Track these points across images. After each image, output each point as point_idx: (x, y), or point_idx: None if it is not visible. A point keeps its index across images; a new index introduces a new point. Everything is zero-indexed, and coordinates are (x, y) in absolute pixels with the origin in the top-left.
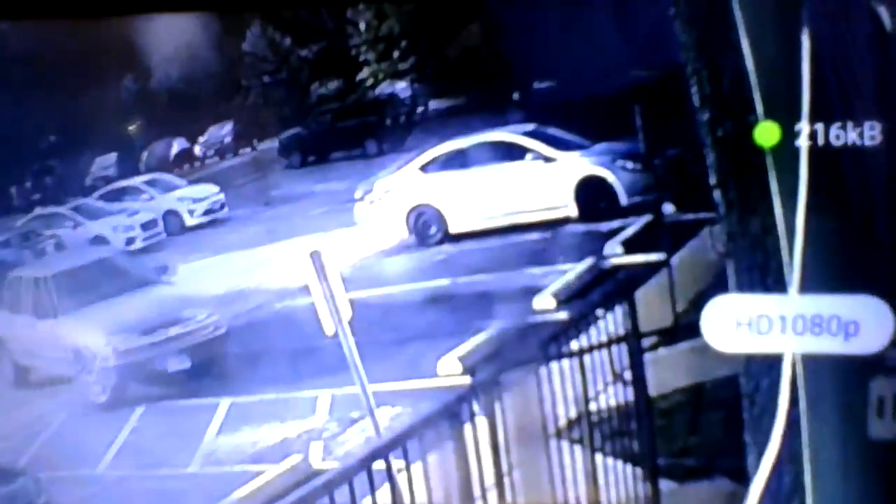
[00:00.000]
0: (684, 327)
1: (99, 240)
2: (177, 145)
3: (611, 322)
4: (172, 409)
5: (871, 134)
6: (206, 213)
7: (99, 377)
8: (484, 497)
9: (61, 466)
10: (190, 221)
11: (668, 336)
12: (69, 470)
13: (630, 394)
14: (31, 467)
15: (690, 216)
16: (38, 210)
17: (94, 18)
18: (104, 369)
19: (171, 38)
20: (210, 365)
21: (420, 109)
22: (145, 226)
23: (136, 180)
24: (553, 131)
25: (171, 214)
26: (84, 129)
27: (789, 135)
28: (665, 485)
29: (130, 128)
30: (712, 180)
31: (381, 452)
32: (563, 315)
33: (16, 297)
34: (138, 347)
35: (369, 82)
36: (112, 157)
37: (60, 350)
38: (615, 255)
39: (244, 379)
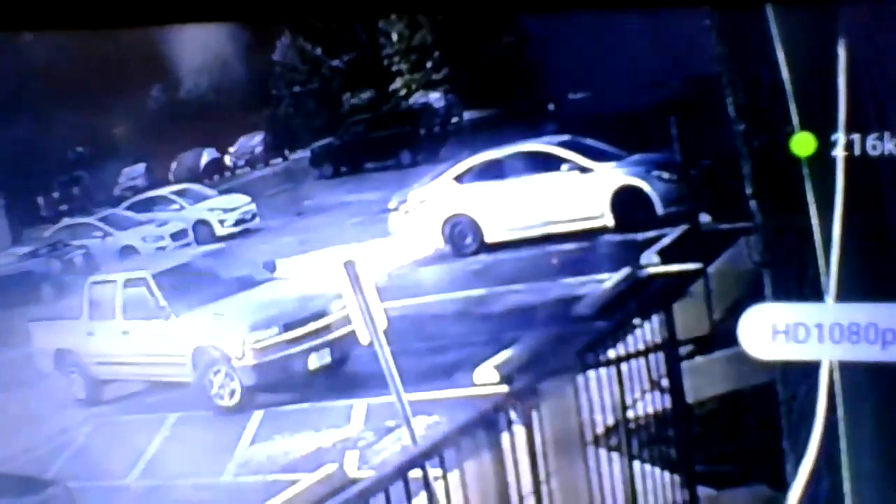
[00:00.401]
0: (721, 336)
1: (128, 250)
2: (206, 155)
3: (648, 331)
4: (206, 418)
5: None
6: (238, 223)
7: (227, 379)
8: None
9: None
10: (221, 231)
11: (705, 344)
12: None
13: (667, 401)
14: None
15: (726, 226)
16: (67, 220)
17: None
18: (243, 368)
19: (200, 49)
20: (347, 362)
21: (454, 120)
22: (175, 236)
23: (166, 190)
24: (588, 142)
25: (201, 224)
26: (112, 139)
27: (825, 145)
28: (703, 492)
29: (159, 138)
30: (748, 190)
31: (418, 461)
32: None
33: (98, 304)
34: (278, 344)
35: (402, 92)
36: (140, 167)
37: (175, 352)
38: (652, 264)
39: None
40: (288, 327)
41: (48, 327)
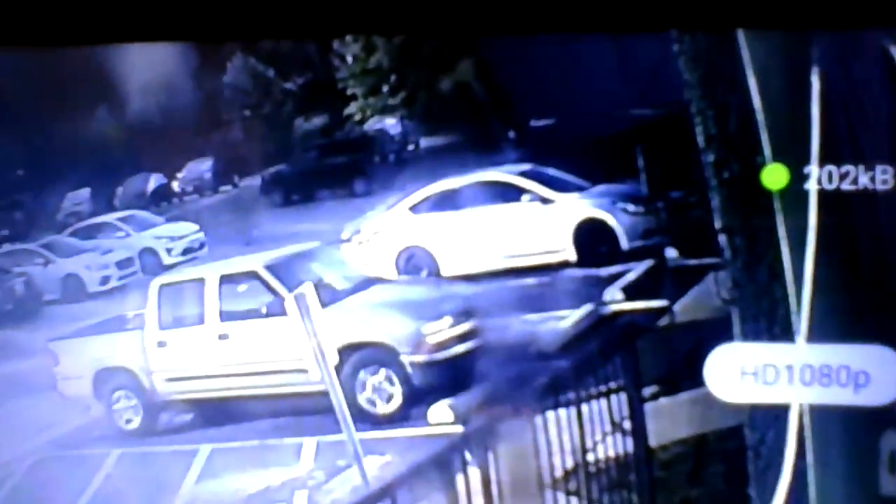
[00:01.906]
0: (687, 376)
1: (71, 278)
2: (154, 181)
3: (610, 370)
4: (147, 455)
5: (883, 178)
6: (185, 251)
7: (387, 382)
8: None
9: None
10: (168, 260)
11: (670, 385)
12: None
13: (629, 444)
14: None
15: (694, 261)
16: (7, 247)
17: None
18: (415, 366)
19: (147, 69)
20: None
21: (410, 147)
22: (120, 264)
23: (111, 217)
24: (551, 171)
25: (147, 253)
26: (55, 162)
27: (798, 178)
28: None
29: (104, 162)
30: (717, 224)
31: (369, 503)
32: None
33: (174, 308)
34: (451, 339)
35: (357, 118)
36: (85, 192)
37: (302, 355)
38: (615, 301)
39: (225, 424)
40: (458, 319)
41: (84, 346)
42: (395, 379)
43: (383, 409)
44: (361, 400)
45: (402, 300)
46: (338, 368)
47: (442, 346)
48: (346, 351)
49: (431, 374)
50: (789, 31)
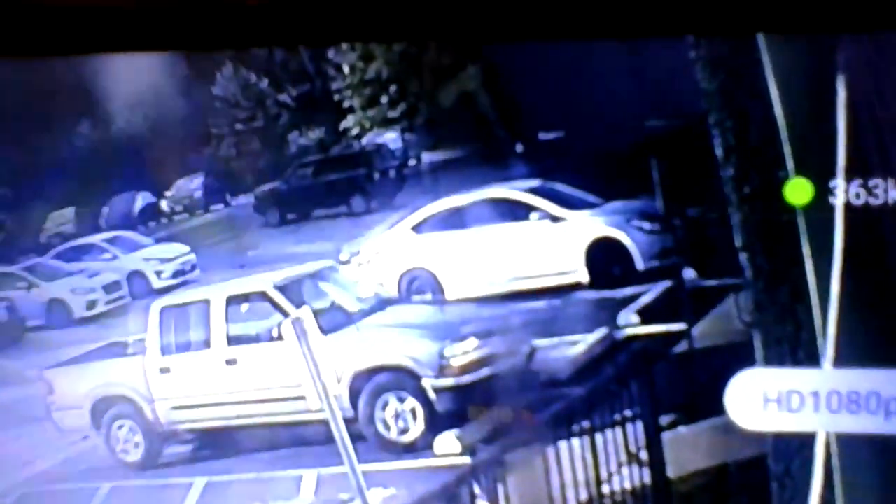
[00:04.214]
0: (706, 404)
1: (56, 303)
2: (141, 200)
3: (625, 398)
4: (139, 489)
5: None
6: (176, 274)
7: (405, 408)
8: None
9: None
10: (157, 284)
11: (689, 413)
12: None
13: (646, 476)
14: None
15: (714, 282)
16: None
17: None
18: (439, 390)
19: (133, 80)
20: None
21: (412, 162)
22: (107, 288)
23: (97, 238)
24: (561, 188)
25: (136, 275)
26: (36, 180)
27: (823, 192)
28: None
29: (89, 180)
30: (738, 242)
31: None
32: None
33: (175, 333)
34: (476, 361)
35: (355, 131)
36: (69, 211)
37: (304, 378)
38: (630, 324)
39: (223, 456)
40: (483, 342)
41: (81, 373)
42: (417, 405)
43: (403, 437)
44: (380, 428)
45: (422, 322)
46: (354, 394)
47: (467, 369)
48: (362, 376)
49: (456, 399)
50: (813, 35)
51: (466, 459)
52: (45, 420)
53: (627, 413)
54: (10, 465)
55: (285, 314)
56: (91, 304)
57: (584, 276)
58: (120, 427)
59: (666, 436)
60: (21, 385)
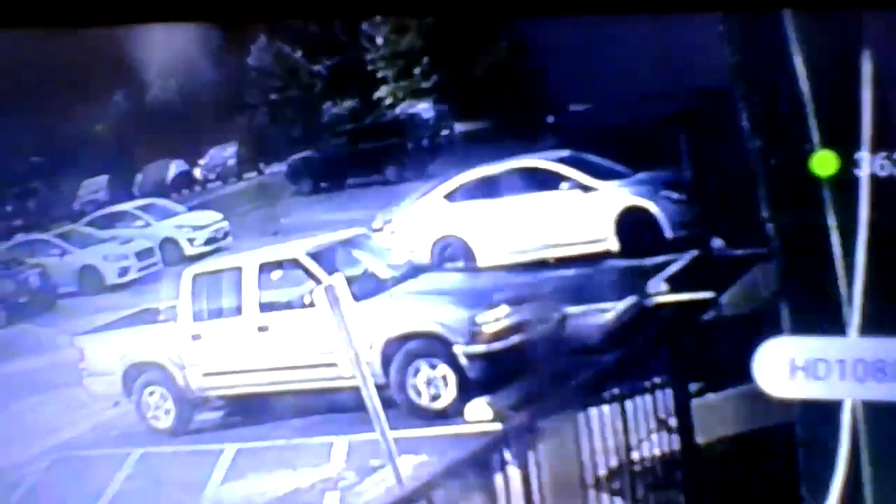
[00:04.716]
0: (734, 371)
1: (88, 269)
2: (174, 167)
3: (654, 365)
4: (169, 455)
5: None
6: (208, 241)
7: (437, 375)
8: None
9: None
10: (190, 251)
11: (717, 381)
12: None
13: (675, 442)
14: None
15: (741, 252)
16: (21, 236)
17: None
18: (470, 357)
19: (168, 51)
20: None
21: (444, 132)
22: (140, 255)
23: (130, 205)
24: (591, 158)
25: (168, 243)
26: (71, 148)
27: (848, 164)
28: None
29: (123, 148)
30: (764, 213)
31: None
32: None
33: (207, 299)
34: (508, 329)
35: (388, 102)
36: (102, 179)
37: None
38: (660, 292)
39: (251, 423)
40: (514, 308)
41: (112, 340)
42: (448, 371)
43: (435, 403)
44: (412, 394)
45: (454, 288)
46: (386, 361)
47: (498, 336)
48: (394, 343)
49: (488, 366)
50: (839, 9)
51: (497, 426)
52: (74, 386)
53: (656, 380)
54: (41, 431)
55: (318, 281)
56: (123, 271)
57: (613, 245)
58: (151, 393)
59: (694, 403)
60: (52, 351)
